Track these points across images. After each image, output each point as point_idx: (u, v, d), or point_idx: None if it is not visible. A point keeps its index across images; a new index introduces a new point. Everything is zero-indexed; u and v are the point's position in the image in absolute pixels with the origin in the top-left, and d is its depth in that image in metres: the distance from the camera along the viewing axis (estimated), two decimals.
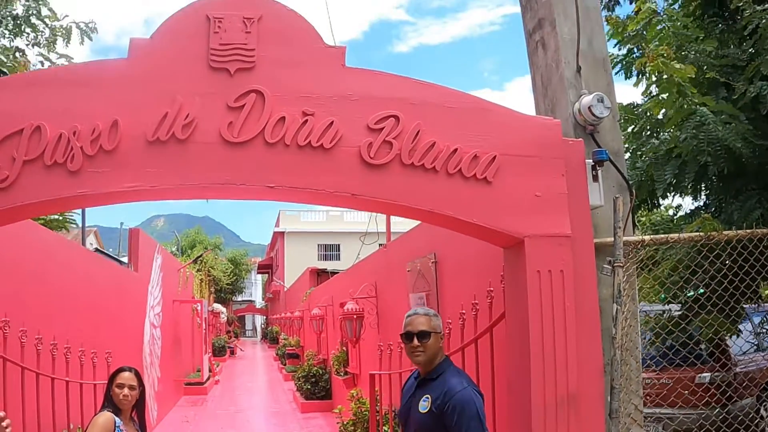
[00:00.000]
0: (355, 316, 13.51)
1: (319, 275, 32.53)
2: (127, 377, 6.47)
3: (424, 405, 5.28)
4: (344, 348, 18.32)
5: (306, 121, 5.52)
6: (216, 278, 55.27)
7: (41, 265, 9.25)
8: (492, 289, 6.58)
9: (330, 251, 65.15)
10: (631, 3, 14.44)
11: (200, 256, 44.22)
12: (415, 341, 5.35)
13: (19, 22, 13.03)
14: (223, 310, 44.70)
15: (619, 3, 15.70)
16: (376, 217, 16.87)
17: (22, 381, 7.40)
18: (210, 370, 30.70)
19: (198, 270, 41.13)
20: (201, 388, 26.84)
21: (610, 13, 15.24)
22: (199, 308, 28.76)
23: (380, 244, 18.50)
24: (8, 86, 5.70)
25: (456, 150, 5.64)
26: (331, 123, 5.53)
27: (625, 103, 9.47)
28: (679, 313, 7.74)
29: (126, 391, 6.39)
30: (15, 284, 8.00)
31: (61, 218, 14.05)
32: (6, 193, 5.26)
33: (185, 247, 58.40)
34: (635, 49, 10.12)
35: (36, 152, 5.30)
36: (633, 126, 9.64)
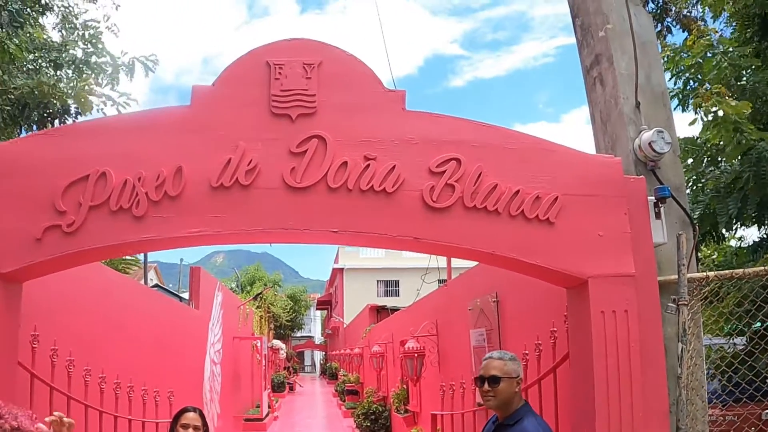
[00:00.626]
0: (416, 355, 13.47)
1: (379, 312, 32.48)
2: (191, 417, 6.46)
3: None
4: (405, 386, 18.24)
5: (368, 165, 5.59)
6: (275, 315, 55.38)
7: (104, 304, 9.31)
8: (555, 329, 6.52)
9: (389, 287, 64.91)
10: (683, 31, 14.37)
11: (260, 293, 44.40)
12: (486, 386, 5.27)
13: (79, 65, 13.28)
14: (283, 346, 44.79)
15: (671, 32, 15.60)
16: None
17: (86, 419, 7.46)
18: (269, 406, 30.72)
19: (258, 306, 41.29)
20: (260, 424, 26.85)
21: (663, 37, 15.20)
22: (258, 345, 28.87)
23: (439, 280, 18.44)
24: (74, 133, 5.87)
25: (518, 191, 5.64)
26: (393, 167, 5.59)
27: (682, 136, 9.43)
28: (744, 347, 7.60)
29: (190, 431, 6.41)
30: (78, 323, 8.06)
31: (121, 262, 14.25)
32: (72, 238, 5.41)
33: (245, 283, 58.66)
34: (691, 82, 10.08)
35: (101, 198, 5.45)
36: (692, 157, 9.58)
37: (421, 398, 15.73)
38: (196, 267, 19.05)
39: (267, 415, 28.62)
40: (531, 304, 7.76)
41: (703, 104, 7.79)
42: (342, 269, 67.38)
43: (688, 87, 10.50)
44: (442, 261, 15.69)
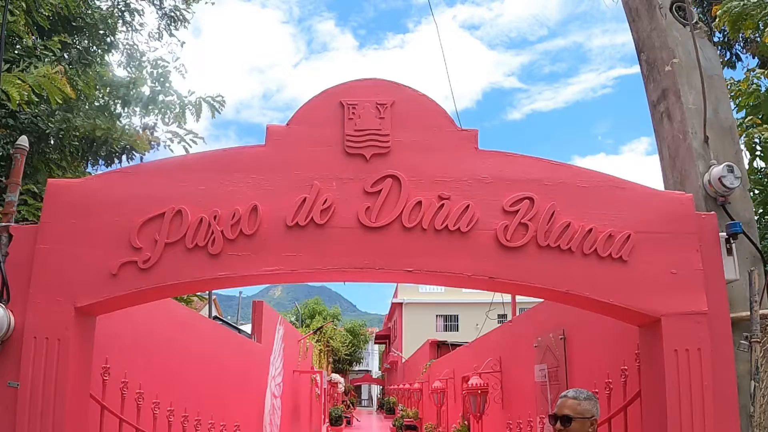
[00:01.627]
0: (479, 391, 13.33)
1: (439, 347, 32.24)
2: None
3: None
4: (466, 422, 18.07)
5: (442, 205, 5.64)
6: (334, 349, 55.37)
7: (172, 338, 9.50)
8: (626, 367, 6.45)
9: (449, 322, 64.41)
10: (753, 57, 14.21)
11: (321, 327, 44.46)
12: (558, 425, 5.20)
13: (147, 102, 13.45)
14: (341, 380, 44.72)
15: (740, 59, 15.41)
16: None
17: None
18: None
19: (317, 341, 41.32)
20: None
21: (733, 66, 15.06)
22: (318, 379, 28.88)
23: (500, 315, 18.34)
24: (149, 171, 6.00)
25: (591, 230, 5.64)
26: (467, 206, 5.63)
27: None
28: None
29: None
30: (147, 356, 8.22)
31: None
32: (148, 274, 5.53)
33: (304, 316, 58.79)
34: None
35: (177, 235, 5.57)
36: (759, 192, 9.49)
37: None
38: (259, 301, 19.06)
39: None
40: (599, 342, 7.69)
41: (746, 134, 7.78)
42: (401, 304, 67.04)
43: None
44: (505, 296, 15.60)
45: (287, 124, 5.93)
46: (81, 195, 5.72)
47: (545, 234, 5.62)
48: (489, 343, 15.21)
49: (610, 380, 6.70)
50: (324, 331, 47.56)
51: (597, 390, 6.86)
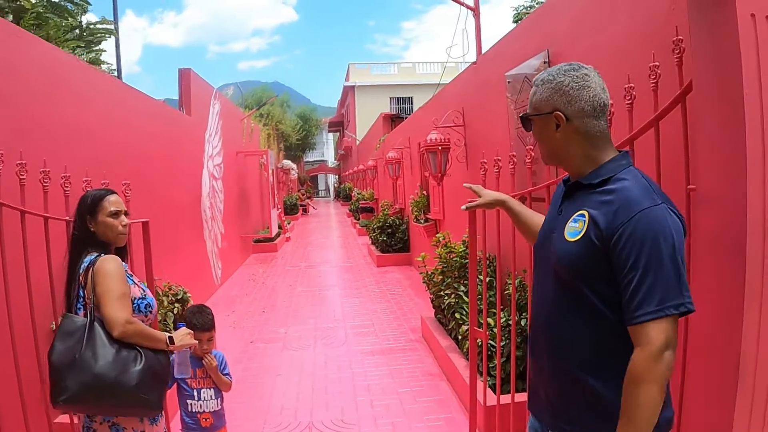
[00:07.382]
0: (439, 147, 11.33)
1: (393, 121, 30.22)
2: (117, 201, 4.27)
3: (574, 228, 2.80)
4: (424, 192, 16.44)
5: None
6: (284, 133, 53.48)
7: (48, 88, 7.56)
8: (656, 63, 4.23)
9: (402, 104, 63.23)
10: None
11: (264, 103, 42.28)
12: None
13: None
14: (293, 166, 43.16)
15: None
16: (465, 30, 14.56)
17: None
18: (280, 227, 29.31)
19: (264, 124, 39.43)
20: (271, 246, 25.55)
21: None
22: (265, 160, 27.02)
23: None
24: None
25: None
26: None
27: None
28: None
29: (125, 219, 4.26)
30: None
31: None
32: None
33: (252, 104, 56.17)
34: None
35: None
36: None
37: (444, 203, 13.84)
38: (186, 69, 16.57)
39: (278, 235, 27.26)
40: (605, 49, 5.70)
41: None
42: (353, 87, 65.77)
43: None
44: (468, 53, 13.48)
45: None
46: None
47: None
48: (449, 94, 13.15)
49: (632, 84, 4.45)
50: (271, 114, 45.50)
51: (612, 102, 4.68)
